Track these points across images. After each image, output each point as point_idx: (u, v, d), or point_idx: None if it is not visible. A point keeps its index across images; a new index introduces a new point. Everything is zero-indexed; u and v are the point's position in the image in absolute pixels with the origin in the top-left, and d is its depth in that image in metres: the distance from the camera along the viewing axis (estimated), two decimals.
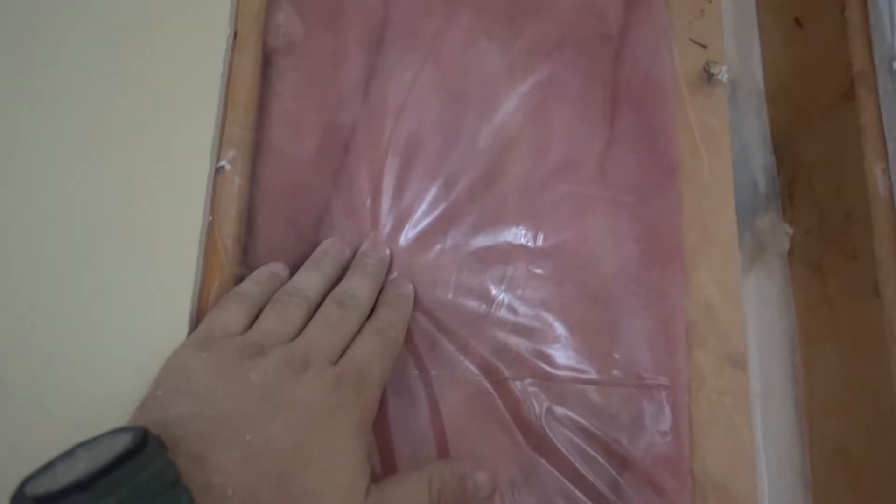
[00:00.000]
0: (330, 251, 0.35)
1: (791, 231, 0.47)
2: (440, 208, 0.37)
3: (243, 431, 0.25)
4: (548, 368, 0.35)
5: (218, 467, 0.24)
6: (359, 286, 0.33)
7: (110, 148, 0.32)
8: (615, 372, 0.35)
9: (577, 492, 0.33)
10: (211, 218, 0.33)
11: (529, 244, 0.37)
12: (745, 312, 0.39)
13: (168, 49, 0.34)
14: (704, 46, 0.41)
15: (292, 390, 0.27)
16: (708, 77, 0.40)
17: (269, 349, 0.29)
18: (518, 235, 0.37)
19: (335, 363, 0.30)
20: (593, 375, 0.35)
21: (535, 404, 0.34)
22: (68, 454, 0.22)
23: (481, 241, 0.37)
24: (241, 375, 0.27)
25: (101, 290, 0.31)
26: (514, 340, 0.35)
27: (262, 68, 0.36)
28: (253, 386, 0.27)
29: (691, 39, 0.41)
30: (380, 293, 0.34)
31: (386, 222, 0.36)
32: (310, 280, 0.33)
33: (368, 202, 0.36)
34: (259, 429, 0.26)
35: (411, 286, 0.35)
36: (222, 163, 0.34)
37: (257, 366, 0.28)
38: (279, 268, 0.34)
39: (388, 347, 0.32)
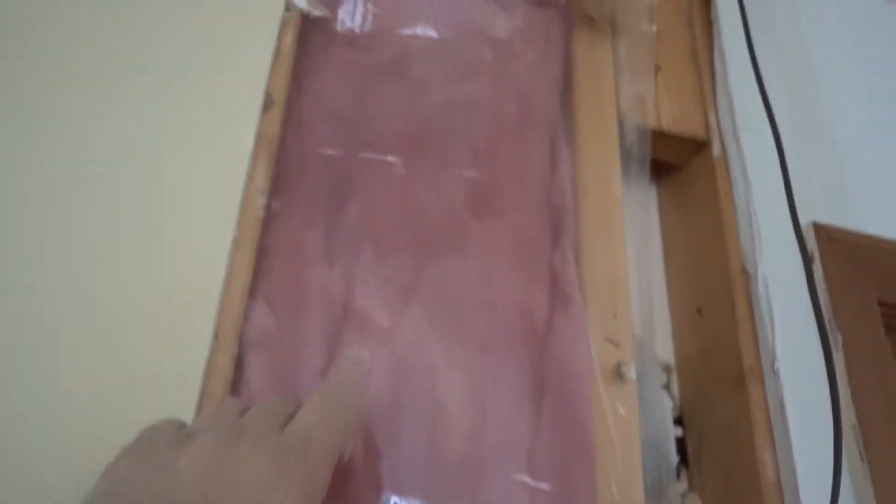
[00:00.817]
0: None
1: (699, 502, 0.52)
2: (385, 486, 0.42)
3: None
4: None
5: None
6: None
7: None
8: None
9: None
10: None
11: None
12: None
13: (150, 355, 0.39)
14: (617, 345, 0.48)
15: (226, 467, 0.25)
16: (620, 375, 0.46)
17: (202, 432, 0.27)
18: None
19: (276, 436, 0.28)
20: None
21: None
22: None
23: None
24: (171, 465, 0.26)
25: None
26: None
27: (236, 362, 0.42)
28: (182, 473, 0.25)
29: (606, 338, 0.48)
30: None
31: None
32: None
33: None
34: None
35: (367, 354, 0.36)
36: None
37: (187, 449, 0.26)
38: None
39: (336, 414, 0.31)
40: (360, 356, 0.36)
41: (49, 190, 0.41)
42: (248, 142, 0.46)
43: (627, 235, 0.53)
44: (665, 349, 0.58)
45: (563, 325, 0.48)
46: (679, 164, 0.62)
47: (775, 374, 0.49)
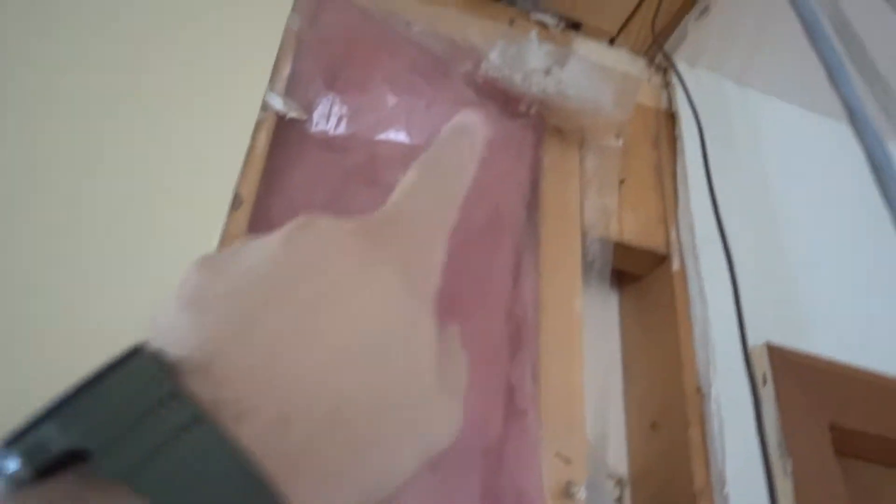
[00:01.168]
0: None
1: None
2: None
3: (246, 331, 0.20)
4: None
5: (223, 380, 0.19)
6: None
7: None
8: None
9: None
10: None
11: None
12: None
13: None
14: (568, 462, 0.48)
15: (299, 255, 0.21)
16: (569, 495, 0.46)
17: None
18: None
19: None
20: None
21: None
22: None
23: None
24: (237, 262, 0.22)
25: None
26: None
27: None
28: (251, 269, 0.21)
29: (558, 454, 0.48)
30: None
31: None
32: None
33: None
34: (262, 324, 0.20)
35: (475, 117, 0.28)
36: None
37: (256, 243, 0.22)
38: None
39: (439, 179, 0.25)
40: (469, 119, 0.28)
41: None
42: (213, 241, 0.46)
43: (587, 343, 0.53)
44: (619, 461, 0.58)
45: (517, 441, 0.48)
46: (640, 274, 0.63)
47: (724, 498, 0.49)
